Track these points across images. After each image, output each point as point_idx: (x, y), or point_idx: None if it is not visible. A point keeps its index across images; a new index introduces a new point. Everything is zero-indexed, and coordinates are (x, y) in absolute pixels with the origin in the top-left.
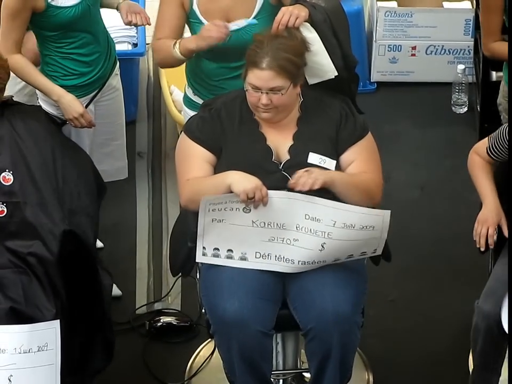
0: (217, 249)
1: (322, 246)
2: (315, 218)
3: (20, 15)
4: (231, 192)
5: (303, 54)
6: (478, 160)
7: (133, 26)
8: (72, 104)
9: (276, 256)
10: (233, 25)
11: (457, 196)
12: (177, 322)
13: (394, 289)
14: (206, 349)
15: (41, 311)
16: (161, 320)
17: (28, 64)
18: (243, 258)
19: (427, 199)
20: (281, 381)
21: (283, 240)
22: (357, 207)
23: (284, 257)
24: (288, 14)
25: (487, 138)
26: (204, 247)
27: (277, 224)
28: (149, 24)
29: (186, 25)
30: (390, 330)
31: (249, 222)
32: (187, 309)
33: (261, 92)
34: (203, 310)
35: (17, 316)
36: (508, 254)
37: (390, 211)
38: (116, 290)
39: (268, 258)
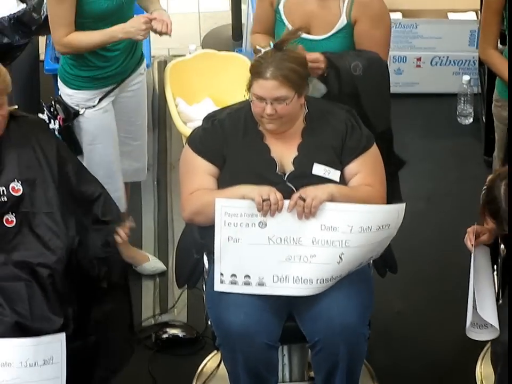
0: (235, 275)
1: (340, 258)
2: (331, 227)
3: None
4: None
5: (307, 65)
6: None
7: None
8: (130, 25)
9: (293, 278)
10: (311, 36)
11: (463, 207)
12: (183, 335)
13: (401, 300)
14: (212, 361)
15: (47, 322)
16: (168, 332)
17: (79, 37)
18: (261, 284)
19: (433, 210)
20: None
21: (300, 258)
22: (371, 205)
23: (301, 278)
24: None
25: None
26: (221, 274)
27: (293, 239)
28: (170, 36)
29: None
30: (397, 342)
31: (265, 240)
32: (193, 321)
33: (266, 102)
34: (209, 322)
35: (23, 329)
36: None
37: (404, 204)
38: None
39: (285, 281)
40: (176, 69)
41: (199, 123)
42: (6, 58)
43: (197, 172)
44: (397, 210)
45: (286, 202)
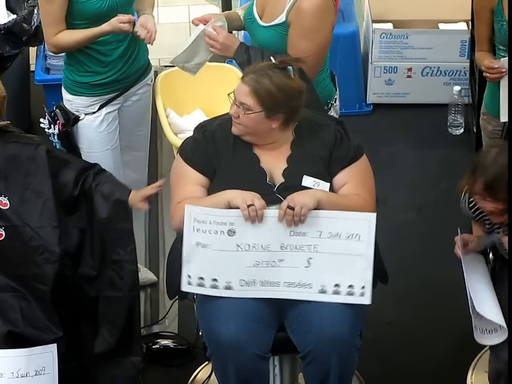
0: (202, 278)
1: (308, 262)
2: (300, 232)
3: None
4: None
5: (290, 96)
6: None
7: None
8: (113, 21)
9: (261, 281)
10: (260, 21)
11: (454, 217)
12: (174, 345)
13: (392, 311)
14: (203, 371)
15: (44, 332)
16: (159, 343)
17: (68, 36)
18: (228, 288)
19: (424, 221)
20: None
21: (268, 263)
22: (341, 212)
23: (268, 282)
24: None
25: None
26: (189, 275)
27: (262, 245)
28: (151, 44)
29: None
30: (388, 353)
31: (233, 247)
32: (184, 332)
33: (235, 103)
34: (200, 333)
35: (16, 340)
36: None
37: (375, 214)
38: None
39: (252, 285)
40: (166, 79)
41: (190, 134)
42: None
43: (187, 181)
44: (368, 219)
45: (270, 211)
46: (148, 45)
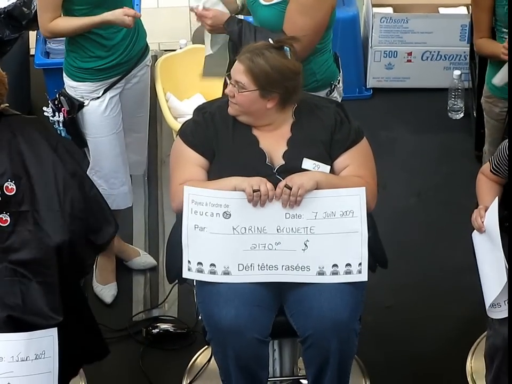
0: (201, 263)
1: (305, 245)
2: (296, 215)
3: None
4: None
5: (285, 76)
6: (484, 178)
7: None
8: (118, 12)
9: (259, 265)
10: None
11: (453, 202)
12: (174, 329)
13: (391, 296)
14: (202, 355)
15: (44, 318)
16: (158, 327)
17: (65, 22)
18: (226, 273)
19: (423, 206)
20: None
21: (265, 246)
22: (333, 190)
23: (267, 265)
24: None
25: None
26: (189, 261)
27: (258, 228)
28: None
29: None
30: (387, 337)
31: (229, 230)
32: (184, 316)
33: (231, 82)
34: (200, 317)
35: (16, 324)
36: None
37: (364, 188)
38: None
39: (251, 269)
40: (166, 63)
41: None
42: None
43: (187, 163)
44: (358, 194)
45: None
46: (147, 29)
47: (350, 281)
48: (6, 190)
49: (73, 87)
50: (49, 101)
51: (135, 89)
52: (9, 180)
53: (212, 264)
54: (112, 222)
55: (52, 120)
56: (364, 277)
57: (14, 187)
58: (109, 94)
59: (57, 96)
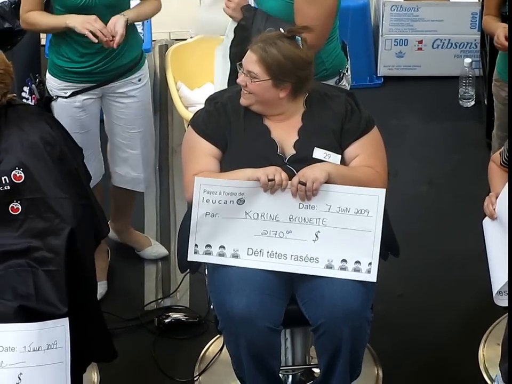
0: (209, 246)
1: (316, 236)
2: (309, 206)
3: None
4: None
5: (298, 65)
6: (495, 166)
7: (139, 23)
8: (81, 18)
9: (268, 252)
10: None
11: (465, 189)
12: (185, 319)
13: (403, 284)
14: (214, 345)
15: (56, 307)
16: (170, 317)
17: (38, 16)
18: (235, 256)
19: (435, 194)
20: (290, 376)
21: (276, 234)
22: (351, 187)
23: (276, 253)
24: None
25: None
26: (196, 245)
27: (270, 215)
28: (110, 47)
29: None
30: (399, 325)
31: (242, 214)
32: (195, 305)
33: (243, 72)
34: (211, 306)
35: (28, 314)
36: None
37: (384, 189)
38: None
39: (260, 255)
40: (177, 53)
41: (200, 107)
42: (7, 43)
43: (200, 153)
44: (377, 194)
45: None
46: (157, 19)
47: (358, 280)
48: (15, 178)
49: (47, 78)
50: (28, 82)
51: (125, 107)
52: (17, 168)
53: (222, 246)
54: (106, 221)
55: (25, 101)
56: (372, 277)
57: (23, 175)
58: (78, 98)
59: (36, 80)
